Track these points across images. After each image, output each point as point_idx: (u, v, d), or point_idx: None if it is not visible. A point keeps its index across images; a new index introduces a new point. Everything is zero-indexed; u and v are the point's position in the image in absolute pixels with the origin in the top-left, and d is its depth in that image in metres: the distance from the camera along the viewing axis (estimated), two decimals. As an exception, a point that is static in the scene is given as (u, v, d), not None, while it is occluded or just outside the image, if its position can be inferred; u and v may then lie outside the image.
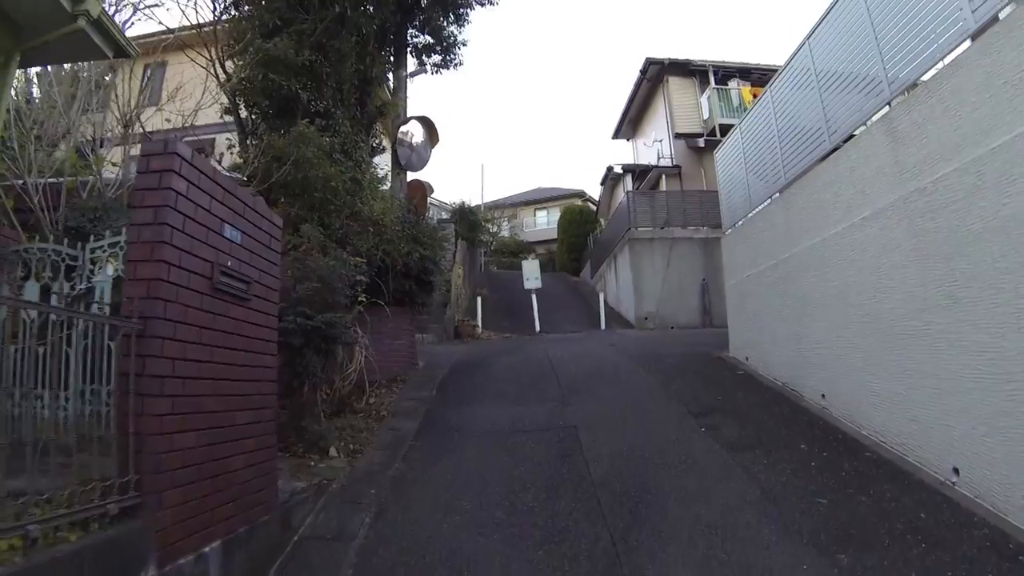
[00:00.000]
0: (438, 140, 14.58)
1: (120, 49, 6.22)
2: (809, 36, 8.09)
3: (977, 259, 4.97)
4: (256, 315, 4.53)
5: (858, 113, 7.03)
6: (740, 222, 10.94)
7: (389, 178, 13.91)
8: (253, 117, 10.12)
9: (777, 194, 9.26)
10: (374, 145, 12.61)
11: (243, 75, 9.40)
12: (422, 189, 14.65)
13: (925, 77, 5.80)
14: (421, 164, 14.32)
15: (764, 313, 9.68)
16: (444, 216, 29.38)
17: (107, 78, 8.78)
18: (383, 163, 14.16)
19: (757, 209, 10.08)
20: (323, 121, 9.86)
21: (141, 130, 8.16)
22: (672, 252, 19.93)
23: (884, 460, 5.97)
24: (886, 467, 5.83)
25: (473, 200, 36.19)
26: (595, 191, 40.12)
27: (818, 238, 7.76)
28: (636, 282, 19.96)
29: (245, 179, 8.92)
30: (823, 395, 7.69)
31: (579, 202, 43.42)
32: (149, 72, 15.47)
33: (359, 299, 8.28)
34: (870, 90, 6.75)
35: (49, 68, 8.20)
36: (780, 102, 9.17)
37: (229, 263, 4.10)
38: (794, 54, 8.56)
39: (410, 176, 14.43)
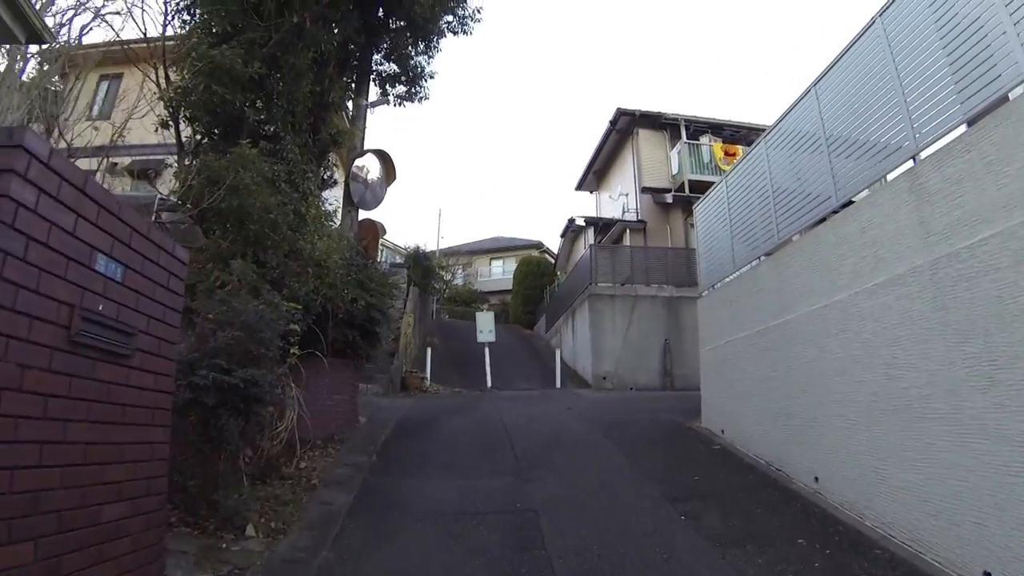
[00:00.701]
0: (395, 177, 13.58)
1: (35, 33, 5.25)
2: (816, 82, 7.38)
3: (1024, 336, 4.18)
4: (141, 376, 3.42)
5: (873, 168, 6.29)
6: (721, 283, 10.15)
7: (339, 214, 12.78)
8: (198, 137, 9.06)
9: (765, 256, 8.51)
10: (325, 177, 11.53)
11: (183, 84, 8.36)
12: (374, 229, 13.56)
13: (961, 129, 5.04)
14: (375, 202, 13.27)
15: (746, 383, 8.83)
16: (398, 260, 28.67)
17: (54, 86, 7.79)
18: (333, 198, 13.02)
19: (743, 270, 9.30)
20: (270, 145, 8.84)
21: (65, 142, 7.07)
22: (634, 310, 19.21)
23: (899, 559, 5.08)
24: (902, 568, 4.94)
25: (428, 245, 35.62)
26: (554, 243, 39.87)
27: (817, 304, 6.97)
28: (595, 339, 19.10)
29: (179, 203, 7.94)
30: (816, 478, 6.82)
31: (536, 253, 43.08)
32: (100, 83, 14.51)
33: (291, 351, 7.22)
34: (890, 143, 6.01)
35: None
36: (776, 154, 8.44)
37: (101, 307, 3.03)
38: (796, 102, 7.86)
39: (362, 215, 13.38)
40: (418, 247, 28.63)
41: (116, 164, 9.02)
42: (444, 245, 44.38)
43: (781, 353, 7.82)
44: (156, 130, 8.60)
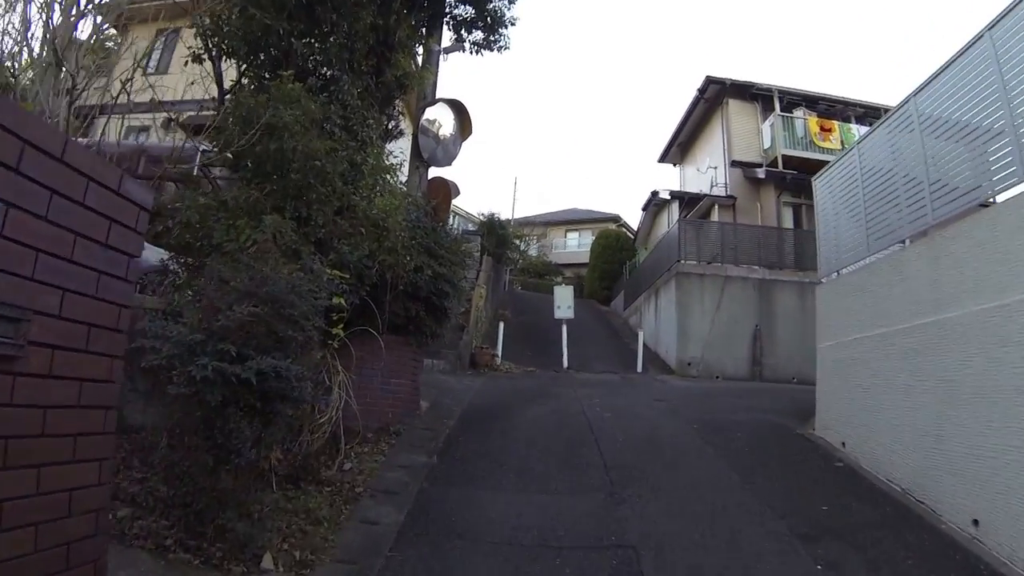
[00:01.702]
0: (471, 132, 12.20)
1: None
2: (991, 26, 5.85)
3: None
4: (47, 387, 2.09)
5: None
6: (848, 269, 8.60)
7: (405, 170, 11.29)
8: (245, 79, 7.73)
9: (910, 239, 7.08)
10: (389, 127, 10.10)
11: (219, 11, 7.08)
12: (446, 189, 11.99)
13: None
14: (447, 159, 11.90)
15: (879, 391, 7.33)
16: (470, 227, 27.53)
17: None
18: (399, 150, 11.44)
19: (879, 255, 7.77)
20: (322, 83, 7.57)
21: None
22: (724, 292, 17.64)
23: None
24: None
25: (502, 213, 34.47)
26: (631, 217, 38.73)
27: (990, 303, 5.47)
28: (681, 321, 17.62)
29: (212, 149, 6.78)
30: (975, 521, 5.35)
31: (613, 227, 41.74)
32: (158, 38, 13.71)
33: (335, 331, 5.92)
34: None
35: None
36: (931, 115, 6.87)
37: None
38: (961, 52, 6.36)
39: (433, 172, 12.03)
40: (493, 215, 27.52)
41: (172, 120, 7.83)
42: (519, 214, 43.29)
43: (932, 359, 6.31)
44: (185, 64, 7.32)
